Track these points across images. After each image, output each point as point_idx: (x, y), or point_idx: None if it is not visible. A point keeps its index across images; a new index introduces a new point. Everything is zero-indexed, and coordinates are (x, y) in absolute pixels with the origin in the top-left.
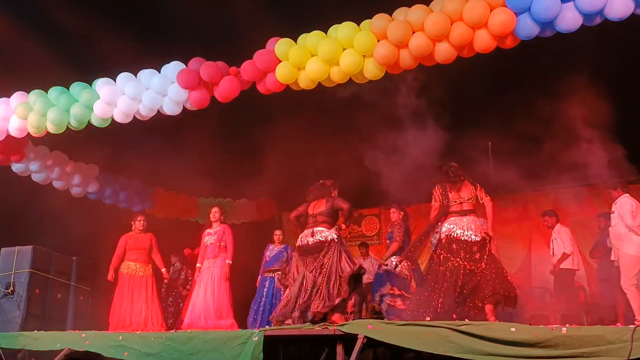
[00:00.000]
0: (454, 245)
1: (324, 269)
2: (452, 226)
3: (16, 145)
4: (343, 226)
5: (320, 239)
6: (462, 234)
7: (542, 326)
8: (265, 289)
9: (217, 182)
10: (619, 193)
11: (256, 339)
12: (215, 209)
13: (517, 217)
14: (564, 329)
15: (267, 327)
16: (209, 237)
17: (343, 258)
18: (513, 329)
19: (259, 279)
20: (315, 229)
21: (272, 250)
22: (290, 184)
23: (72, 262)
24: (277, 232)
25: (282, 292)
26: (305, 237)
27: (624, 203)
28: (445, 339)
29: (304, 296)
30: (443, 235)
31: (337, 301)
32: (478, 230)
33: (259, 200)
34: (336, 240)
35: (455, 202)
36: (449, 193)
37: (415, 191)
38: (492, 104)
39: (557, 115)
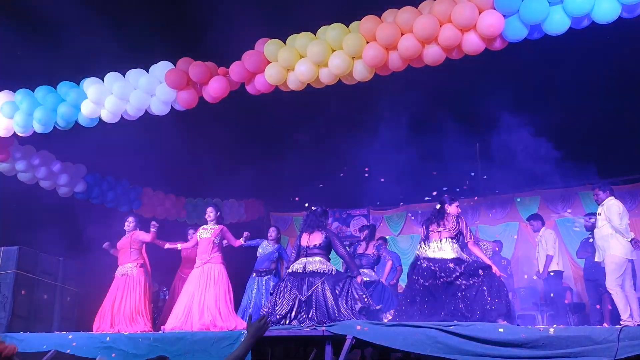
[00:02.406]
0: (432, 265)
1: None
2: (426, 247)
3: (2, 145)
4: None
5: (315, 269)
6: (434, 253)
7: (529, 327)
8: (253, 291)
9: (206, 182)
10: (606, 195)
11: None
12: (209, 209)
13: (504, 218)
14: (551, 330)
15: None
16: (204, 231)
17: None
18: (501, 330)
19: None
20: (308, 259)
21: (265, 248)
22: (279, 184)
23: (58, 262)
24: (272, 229)
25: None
26: (297, 266)
27: (611, 205)
28: (433, 340)
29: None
30: (420, 260)
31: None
32: (454, 251)
33: (247, 201)
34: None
35: (433, 231)
36: (430, 226)
37: (404, 192)
38: (479, 105)
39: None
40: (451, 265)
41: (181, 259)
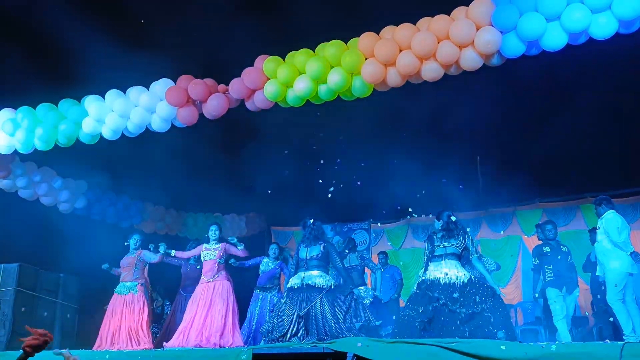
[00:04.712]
0: (433, 288)
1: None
2: (431, 270)
3: (3, 162)
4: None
5: (313, 284)
6: (440, 278)
7: (531, 343)
8: (257, 308)
9: (206, 196)
10: (605, 209)
11: (244, 357)
12: (214, 227)
13: (506, 231)
14: (554, 346)
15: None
16: (207, 252)
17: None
18: (503, 347)
19: None
20: (307, 273)
21: (266, 265)
22: (280, 198)
23: (59, 279)
24: (273, 247)
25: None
26: (296, 281)
27: (610, 219)
28: (434, 357)
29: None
30: (423, 279)
31: None
32: (459, 273)
33: (247, 215)
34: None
35: (439, 246)
36: (435, 240)
37: (405, 205)
38: (482, 115)
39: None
40: (455, 294)
41: (180, 277)
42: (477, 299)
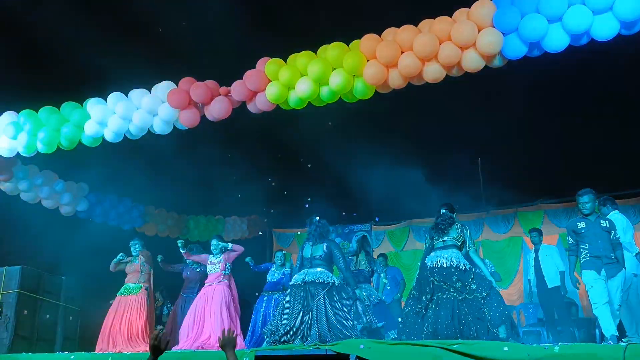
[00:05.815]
0: (436, 275)
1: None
2: (433, 258)
3: (5, 165)
4: None
5: (316, 279)
6: (442, 263)
7: (534, 345)
8: (262, 309)
9: (208, 199)
10: (609, 209)
11: (247, 359)
12: (214, 241)
13: (508, 233)
14: (557, 348)
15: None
16: (212, 266)
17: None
18: (506, 348)
19: None
20: (310, 270)
21: (272, 275)
22: (282, 200)
23: (61, 281)
24: (279, 254)
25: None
26: (299, 278)
27: (615, 220)
28: (438, 359)
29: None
30: (425, 265)
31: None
32: (460, 261)
33: (249, 217)
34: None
35: (438, 240)
36: (435, 235)
37: (406, 207)
38: (481, 120)
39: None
40: (454, 278)
41: (183, 280)
42: (473, 286)
